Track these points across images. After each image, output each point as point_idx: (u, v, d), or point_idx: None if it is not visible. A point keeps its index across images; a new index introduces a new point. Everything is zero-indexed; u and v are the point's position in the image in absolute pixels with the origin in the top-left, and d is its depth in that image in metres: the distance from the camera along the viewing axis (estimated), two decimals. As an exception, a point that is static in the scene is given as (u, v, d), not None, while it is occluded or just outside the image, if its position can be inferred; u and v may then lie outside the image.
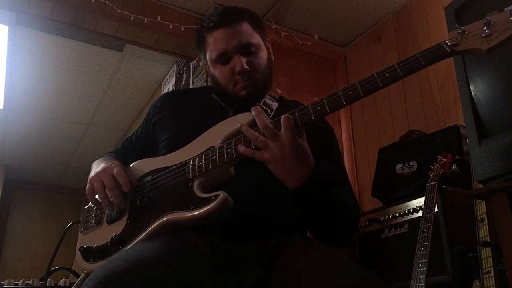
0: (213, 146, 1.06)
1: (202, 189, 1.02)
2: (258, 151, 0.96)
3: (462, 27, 0.87)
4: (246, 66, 1.17)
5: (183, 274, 0.88)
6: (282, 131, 0.94)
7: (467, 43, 0.86)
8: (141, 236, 1.03)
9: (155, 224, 1.02)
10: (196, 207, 0.97)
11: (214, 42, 1.20)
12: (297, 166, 0.95)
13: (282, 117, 0.96)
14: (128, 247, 1.03)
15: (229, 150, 1.01)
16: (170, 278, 0.85)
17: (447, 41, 0.88)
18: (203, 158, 1.05)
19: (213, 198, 0.96)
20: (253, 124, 1.02)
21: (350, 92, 0.93)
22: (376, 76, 0.91)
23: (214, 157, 1.02)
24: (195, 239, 0.99)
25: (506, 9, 0.84)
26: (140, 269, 0.83)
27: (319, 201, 1.02)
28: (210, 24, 1.21)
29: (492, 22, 0.83)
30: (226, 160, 1.00)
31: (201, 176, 1.03)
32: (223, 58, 1.19)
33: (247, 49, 1.20)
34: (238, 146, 0.98)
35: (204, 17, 2.96)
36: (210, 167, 1.02)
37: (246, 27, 1.21)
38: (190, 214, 0.98)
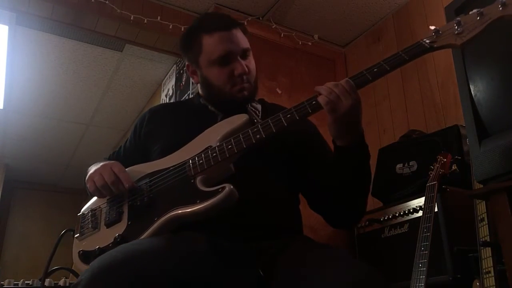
0: (211, 146, 1.08)
1: (205, 185, 1.03)
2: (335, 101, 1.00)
3: (437, 28, 1.01)
4: (247, 69, 1.20)
5: (181, 269, 0.88)
6: (350, 91, 1.02)
7: (443, 40, 1.01)
8: (146, 233, 1.03)
9: (160, 220, 1.02)
10: (202, 200, 0.99)
11: (217, 43, 1.21)
12: (358, 121, 1.07)
13: (345, 80, 1.03)
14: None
15: (229, 146, 1.04)
16: (168, 272, 0.85)
17: (425, 39, 1.03)
18: (202, 156, 1.07)
19: (219, 190, 0.98)
20: (249, 124, 1.06)
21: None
22: (365, 72, 1.05)
23: (214, 154, 1.05)
24: (196, 237, 1.00)
25: (471, 12, 0.99)
26: (137, 261, 0.83)
27: (364, 161, 1.18)
28: (209, 25, 1.23)
29: (462, 23, 0.98)
30: (227, 155, 1.03)
31: (203, 172, 1.05)
32: (224, 60, 1.20)
33: (245, 54, 1.24)
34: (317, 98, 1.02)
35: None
36: (212, 163, 1.04)
37: (241, 33, 1.25)
38: (197, 207, 0.99)
